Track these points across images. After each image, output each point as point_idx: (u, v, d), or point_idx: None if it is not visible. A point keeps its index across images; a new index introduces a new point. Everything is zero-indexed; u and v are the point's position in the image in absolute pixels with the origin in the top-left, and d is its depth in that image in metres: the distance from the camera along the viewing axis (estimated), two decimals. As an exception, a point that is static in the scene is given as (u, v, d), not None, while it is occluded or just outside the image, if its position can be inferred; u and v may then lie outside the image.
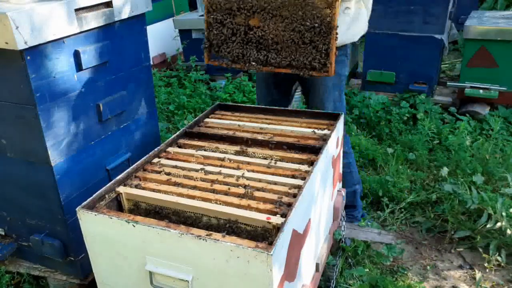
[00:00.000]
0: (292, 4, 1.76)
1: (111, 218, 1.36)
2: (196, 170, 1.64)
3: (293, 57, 1.84)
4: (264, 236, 1.37)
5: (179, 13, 5.43)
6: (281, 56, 1.85)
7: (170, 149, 1.82)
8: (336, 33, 1.76)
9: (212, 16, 1.90)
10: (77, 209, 1.41)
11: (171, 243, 1.29)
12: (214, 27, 1.92)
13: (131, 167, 1.64)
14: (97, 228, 1.41)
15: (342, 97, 2.34)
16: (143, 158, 1.70)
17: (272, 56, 1.86)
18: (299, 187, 1.49)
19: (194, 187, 1.53)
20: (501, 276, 2.23)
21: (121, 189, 1.55)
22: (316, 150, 1.74)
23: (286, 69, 1.88)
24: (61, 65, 1.62)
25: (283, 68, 1.88)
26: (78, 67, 1.68)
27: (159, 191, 1.52)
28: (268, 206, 1.41)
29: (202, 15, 4.60)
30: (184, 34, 4.90)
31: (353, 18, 2.15)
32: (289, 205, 1.41)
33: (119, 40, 1.85)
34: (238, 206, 1.42)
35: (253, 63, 1.91)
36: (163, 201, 1.50)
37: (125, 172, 1.61)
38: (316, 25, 1.75)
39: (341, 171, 2.24)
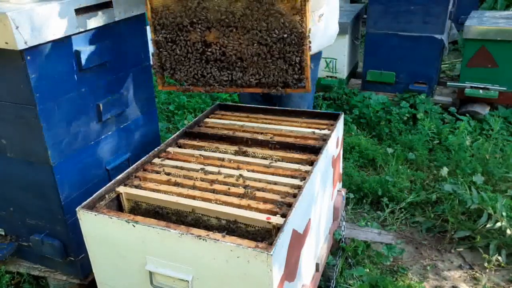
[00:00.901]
0: (254, 14, 1.50)
1: (111, 218, 1.36)
2: (196, 170, 1.64)
3: (263, 74, 1.60)
4: (264, 236, 1.37)
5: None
6: (248, 74, 1.61)
7: (170, 149, 1.82)
8: (309, 42, 1.53)
9: (161, 35, 1.64)
10: (77, 209, 1.41)
11: (171, 243, 1.29)
12: (165, 47, 1.66)
13: (131, 167, 1.64)
14: (97, 228, 1.41)
15: (312, 99, 2.34)
16: (143, 158, 1.70)
17: (237, 75, 1.62)
18: (299, 187, 1.49)
19: (194, 187, 1.53)
20: (501, 276, 2.23)
21: (121, 189, 1.55)
22: (316, 150, 1.74)
23: (256, 88, 1.64)
24: (61, 65, 1.62)
25: (252, 87, 1.65)
26: (78, 67, 1.68)
27: (159, 191, 1.52)
28: (268, 206, 1.41)
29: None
30: (184, 34, 4.89)
31: (326, 23, 2.05)
32: (289, 205, 1.41)
33: (119, 40, 1.85)
34: (238, 206, 1.42)
35: (216, 84, 1.67)
36: (163, 201, 1.50)
37: (125, 172, 1.61)
38: (285, 35, 1.51)
39: (341, 171, 2.24)
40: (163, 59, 1.67)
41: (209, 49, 1.60)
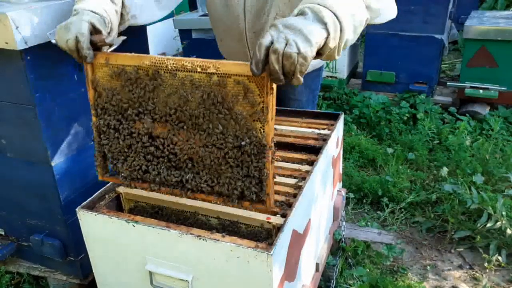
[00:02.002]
0: (208, 113, 1.21)
1: (111, 218, 1.36)
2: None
3: (216, 182, 1.30)
4: (264, 236, 1.37)
5: (179, 13, 5.43)
6: (201, 180, 1.31)
7: (170, 149, 1.81)
8: (273, 152, 1.21)
9: (101, 120, 1.36)
10: (77, 209, 1.41)
11: (171, 243, 1.29)
12: (106, 134, 1.38)
13: (131, 167, 1.63)
14: (97, 228, 1.41)
15: (315, 104, 2.32)
16: (143, 158, 1.69)
17: (188, 177, 1.32)
18: (299, 187, 1.49)
19: (194, 187, 1.52)
20: (501, 276, 2.23)
21: (121, 189, 1.55)
22: (316, 150, 1.74)
23: (210, 197, 1.33)
24: (61, 65, 1.62)
25: (205, 194, 1.34)
26: (78, 67, 1.68)
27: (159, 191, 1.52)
28: (268, 206, 1.41)
29: (202, 15, 4.59)
30: (184, 34, 4.89)
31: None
32: (289, 205, 1.41)
33: (119, 40, 1.85)
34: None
35: (163, 185, 1.37)
36: (163, 201, 1.50)
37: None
38: (243, 143, 1.20)
39: (341, 171, 2.23)
40: (104, 148, 1.40)
41: (154, 143, 1.33)
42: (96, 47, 1.28)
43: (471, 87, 3.72)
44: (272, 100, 1.14)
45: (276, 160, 1.71)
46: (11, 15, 1.38)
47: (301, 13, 1.13)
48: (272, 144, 1.20)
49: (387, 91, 4.09)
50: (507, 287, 2.16)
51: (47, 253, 1.86)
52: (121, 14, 1.44)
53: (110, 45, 1.31)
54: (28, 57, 1.48)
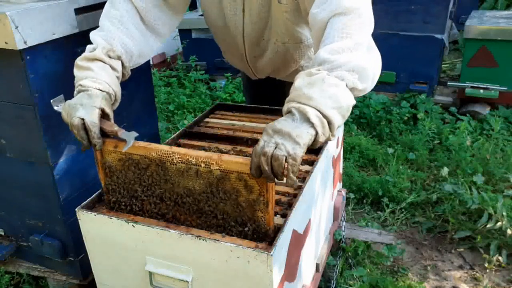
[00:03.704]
0: (211, 201, 1.28)
1: (110, 218, 1.35)
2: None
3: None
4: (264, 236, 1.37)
5: (179, 13, 5.42)
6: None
7: (170, 149, 1.81)
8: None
9: (112, 197, 1.42)
10: (76, 209, 1.41)
11: (171, 243, 1.29)
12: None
13: (131, 167, 1.63)
14: (97, 228, 1.40)
15: None
16: (143, 158, 1.69)
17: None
18: (299, 187, 1.49)
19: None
20: (501, 277, 2.22)
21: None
22: (316, 150, 1.73)
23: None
24: (61, 65, 1.61)
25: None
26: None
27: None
28: (268, 207, 1.40)
29: (202, 15, 4.58)
30: (184, 34, 4.89)
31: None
32: (289, 205, 1.41)
33: (119, 40, 1.85)
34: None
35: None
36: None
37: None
38: (246, 228, 1.27)
39: (341, 171, 2.23)
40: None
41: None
42: (104, 133, 1.33)
43: (472, 87, 3.72)
44: (272, 195, 1.21)
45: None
46: (11, 15, 1.38)
47: (289, 112, 1.18)
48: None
49: (387, 91, 4.08)
50: (507, 287, 2.16)
51: (46, 253, 1.86)
52: (122, 73, 1.49)
53: (120, 138, 1.35)
54: (28, 57, 1.48)
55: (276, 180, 1.15)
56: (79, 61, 1.40)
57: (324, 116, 1.15)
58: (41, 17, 1.48)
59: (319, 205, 1.73)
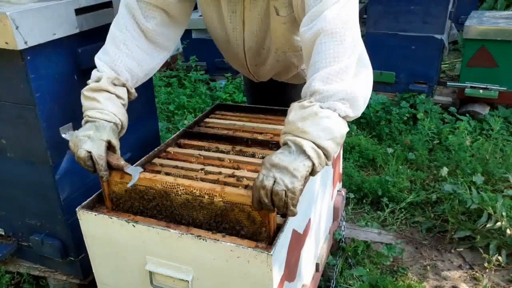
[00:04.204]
0: (214, 226, 1.32)
1: (111, 218, 1.36)
2: (196, 170, 1.63)
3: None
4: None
5: (179, 13, 5.42)
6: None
7: (170, 149, 1.81)
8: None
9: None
10: (77, 209, 1.41)
11: (171, 243, 1.29)
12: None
13: (131, 167, 1.64)
14: (97, 228, 1.41)
15: None
16: (143, 158, 1.69)
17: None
18: (299, 187, 1.49)
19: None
20: (501, 276, 2.23)
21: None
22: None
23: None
24: (61, 65, 1.62)
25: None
26: (78, 67, 1.68)
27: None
28: (268, 206, 1.41)
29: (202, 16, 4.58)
30: (184, 34, 4.87)
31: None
32: (289, 205, 1.41)
33: (119, 40, 1.85)
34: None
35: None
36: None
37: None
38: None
39: (341, 171, 2.24)
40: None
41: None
42: (111, 165, 1.37)
43: (471, 87, 3.72)
44: (273, 225, 1.26)
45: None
46: (11, 15, 1.38)
47: (285, 144, 1.22)
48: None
49: (387, 91, 4.09)
50: (507, 287, 2.16)
51: (47, 253, 1.86)
52: (128, 97, 1.53)
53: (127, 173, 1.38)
54: (28, 57, 1.48)
55: (275, 212, 1.20)
56: (85, 91, 1.44)
57: (320, 147, 1.19)
58: (42, 17, 1.48)
59: (319, 205, 1.73)
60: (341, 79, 1.25)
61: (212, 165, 1.67)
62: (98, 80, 1.44)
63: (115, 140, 1.40)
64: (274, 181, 1.15)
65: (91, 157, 1.33)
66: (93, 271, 1.53)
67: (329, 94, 1.23)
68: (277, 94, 2.13)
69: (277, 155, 1.19)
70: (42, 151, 1.62)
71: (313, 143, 1.18)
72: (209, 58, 4.82)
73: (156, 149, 1.77)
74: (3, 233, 1.99)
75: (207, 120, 2.08)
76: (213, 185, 1.31)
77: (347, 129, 1.27)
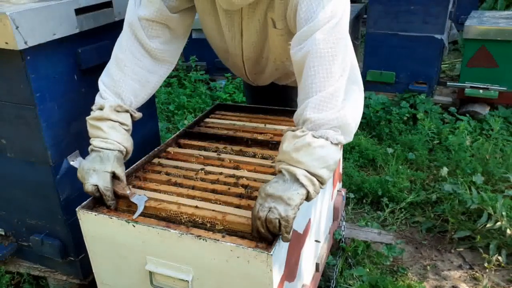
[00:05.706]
0: None
1: (111, 218, 1.36)
2: (196, 170, 1.64)
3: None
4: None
5: (179, 13, 5.42)
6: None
7: (170, 149, 1.82)
8: None
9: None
10: (77, 209, 1.41)
11: (171, 243, 1.29)
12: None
13: (131, 167, 1.64)
14: (97, 228, 1.41)
15: None
16: (143, 158, 1.70)
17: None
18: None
19: (194, 187, 1.53)
20: (501, 276, 2.23)
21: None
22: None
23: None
24: (61, 65, 1.62)
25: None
26: (78, 67, 1.68)
27: (159, 191, 1.52)
28: (268, 206, 1.41)
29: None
30: (184, 34, 4.89)
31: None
32: (289, 205, 1.41)
33: (119, 40, 1.85)
34: (238, 206, 1.42)
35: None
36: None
37: (125, 172, 1.61)
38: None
39: (341, 171, 2.24)
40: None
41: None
42: (117, 195, 1.43)
43: (471, 87, 3.72)
44: None
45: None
46: (11, 15, 1.38)
47: (280, 172, 1.26)
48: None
49: (387, 91, 4.09)
50: (507, 287, 2.16)
51: (47, 253, 1.86)
52: (132, 120, 1.57)
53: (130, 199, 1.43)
54: (28, 57, 1.48)
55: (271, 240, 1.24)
56: (90, 120, 1.48)
57: (314, 175, 1.22)
58: (42, 17, 1.48)
59: (319, 205, 1.73)
60: (333, 105, 1.26)
61: (212, 165, 1.67)
62: (101, 108, 1.47)
63: (120, 169, 1.44)
64: (269, 211, 1.19)
65: (98, 189, 1.39)
66: (93, 271, 1.53)
67: (321, 122, 1.25)
68: (276, 94, 2.14)
69: (271, 185, 1.23)
70: (42, 151, 1.62)
71: (307, 171, 1.22)
72: (209, 58, 4.82)
73: (156, 149, 1.77)
74: (3, 233, 1.99)
75: (207, 120, 2.08)
76: (215, 213, 1.35)
77: (340, 154, 1.29)
